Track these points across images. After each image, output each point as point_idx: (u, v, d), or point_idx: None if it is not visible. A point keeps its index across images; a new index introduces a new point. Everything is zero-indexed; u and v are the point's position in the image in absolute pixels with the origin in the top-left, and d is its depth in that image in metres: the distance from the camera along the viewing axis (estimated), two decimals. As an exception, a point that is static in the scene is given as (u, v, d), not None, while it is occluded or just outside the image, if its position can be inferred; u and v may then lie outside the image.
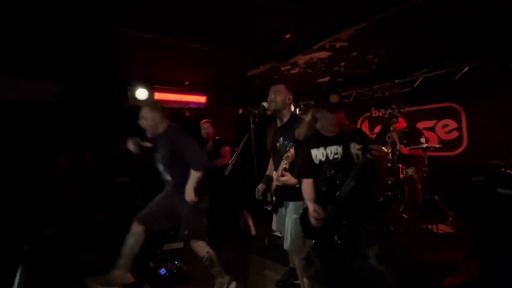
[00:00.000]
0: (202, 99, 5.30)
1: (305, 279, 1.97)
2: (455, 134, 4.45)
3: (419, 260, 3.01)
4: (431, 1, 2.34)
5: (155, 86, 4.43)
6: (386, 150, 3.79)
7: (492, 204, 2.84)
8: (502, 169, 2.90)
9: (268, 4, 2.36)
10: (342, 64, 4.08)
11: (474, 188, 3.14)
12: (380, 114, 5.39)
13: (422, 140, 3.84)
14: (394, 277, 1.64)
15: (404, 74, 4.44)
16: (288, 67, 4.12)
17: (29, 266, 2.36)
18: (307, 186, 1.93)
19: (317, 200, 1.86)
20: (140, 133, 2.61)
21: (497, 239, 2.69)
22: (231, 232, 3.86)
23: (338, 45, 3.32)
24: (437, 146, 4.10)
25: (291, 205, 2.20)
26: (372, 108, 5.51)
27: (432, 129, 4.67)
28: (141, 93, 4.18)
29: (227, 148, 3.95)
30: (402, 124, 4.20)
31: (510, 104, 3.77)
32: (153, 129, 2.53)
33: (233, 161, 2.04)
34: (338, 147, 1.86)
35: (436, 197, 3.93)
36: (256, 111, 2.12)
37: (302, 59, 3.81)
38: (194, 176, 2.43)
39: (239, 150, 2.06)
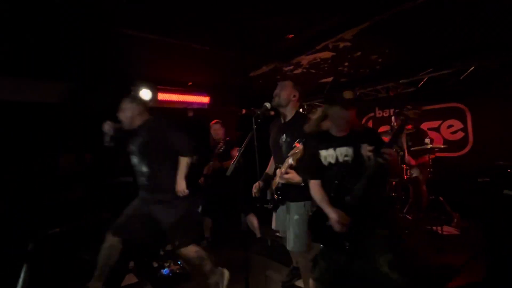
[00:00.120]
0: (205, 99, 5.33)
1: (310, 280, 1.94)
2: (460, 134, 4.41)
3: (423, 262, 2.97)
4: (435, 0, 2.31)
5: (158, 86, 4.44)
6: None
7: (497, 205, 2.80)
8: (508, 170, 2.86)
9: (271, 4, 2.35)
10: (346, 64, 4.07)
11: (479, 189, 3.10)
12: (384, 115, 5.36)
13: (427, 140, 3.80)
14: (405, 282, 1.59)
15: (408, 74, 4.40)
16: (291, 67, 4.11)
17: (34, 265, 2.38)
18: (316, 188, 1.83)
19: None
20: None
21: (503, 241, 2.66)
22: (233, 233, 3.86)
23: (341, 45, 3.30)
24: (442, 146, 4.06)
25: (292, 205, 2.18)
26: (376, 108, 5.48)
27: (437, 129, 4.63)
28: (145, 94, 4.19)
29: (237, 149, 3.89)
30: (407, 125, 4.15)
31: (517, 104, 3.73)
32: (131, 121, 2.44)
33: (235, 162, 2.03)
34: (349, 148, 1.75)
35: (441, 198, 3.89)
36: (258, 112, 2.11)
37: (305, 59, 3.80)
38: (183, 162, 2.38)
39: (241, 151, 2.06)
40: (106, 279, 2.42)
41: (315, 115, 1.91)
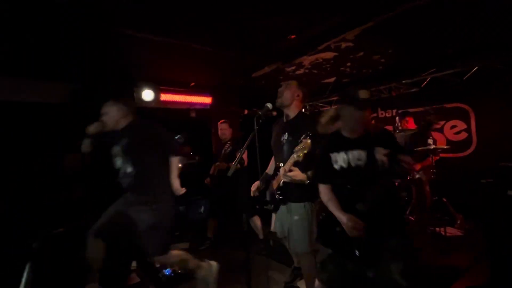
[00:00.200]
0: (207, 100, 5.34)
1: (316, 281, 1.87)
2: (463, 135, 4.37)
3: (426, 264, 2.95)
4: (438, 0, 2.30)
5: (161, 87, 4.46)
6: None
7: (501, 207, 2.77)
8: (513, 171, 2.83)
9: (271, 4, 2.35)
10: (348, 64, 4.06)
11: (483, 190, 3.07)
12: (387, 115, 5.33)
13: (430, 141, 3.77)
14: None
15: (411, 74, 4.38)
16: (294, 67, 4.11)
17: (37, 264, 2.39)
18: (326, 192, 1.75)
19: None
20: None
21: (507, 242, 2.63)
22: (235, 233, 3.86)
23: (343, 45, 3.30)
24: (445, 147, 4.03)
25: (292, 206, 2.18)
26: (379, 109, 5.45)
27: (440, 130, 4.59)
28: (147, 94, 4.21)
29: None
30: (411, 125, 4.13)
31: (521, 105, 3.70)
32: (115, 124, 2.42)
33: (236, 163, 2.03)
34: (362, 152, 1.62)
35: (444, 199, 3.87)
36: (260, 112, 2.11)
37: (307, 60, 3.80)
38: (174, 162, 2.39)
39: (243, 152, 2.06)
40: (105, 278, 2.43)
41: (327, 115, 1.83)
